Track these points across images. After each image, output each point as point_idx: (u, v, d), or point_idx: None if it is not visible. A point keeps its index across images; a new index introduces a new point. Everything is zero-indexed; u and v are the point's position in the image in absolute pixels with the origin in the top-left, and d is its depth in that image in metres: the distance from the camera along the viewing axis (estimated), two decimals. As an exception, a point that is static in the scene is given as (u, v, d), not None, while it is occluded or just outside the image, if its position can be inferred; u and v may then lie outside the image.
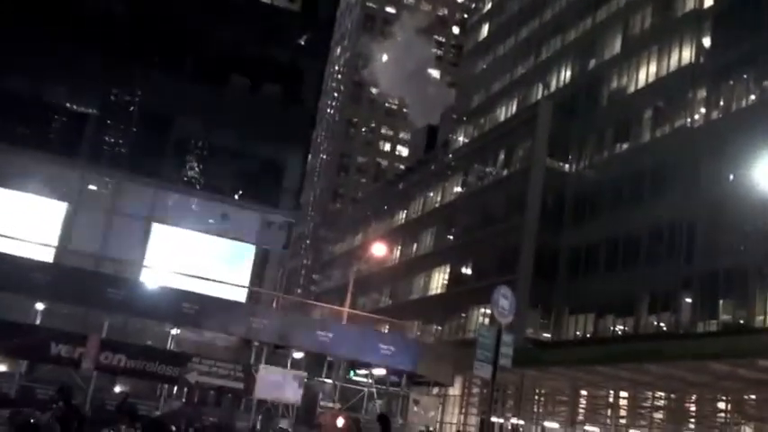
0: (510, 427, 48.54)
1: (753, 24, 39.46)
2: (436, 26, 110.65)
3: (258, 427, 28.92)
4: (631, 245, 43.50)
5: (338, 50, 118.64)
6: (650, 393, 39.01)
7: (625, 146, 48.16)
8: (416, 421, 32.11)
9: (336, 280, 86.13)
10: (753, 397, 33.58)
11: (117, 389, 29.91)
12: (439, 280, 62.61)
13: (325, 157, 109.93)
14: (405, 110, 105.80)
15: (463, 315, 56.47)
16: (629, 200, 44.84)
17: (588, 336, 45.74)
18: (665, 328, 40.19)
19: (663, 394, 38.21)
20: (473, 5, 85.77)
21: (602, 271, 45.83)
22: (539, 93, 60.24)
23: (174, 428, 22.86)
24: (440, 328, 59.78)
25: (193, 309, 27.64)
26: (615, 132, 49.35)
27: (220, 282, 33.49)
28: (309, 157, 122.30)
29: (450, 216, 63.27)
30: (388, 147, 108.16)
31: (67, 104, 43.11)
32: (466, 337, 51.04)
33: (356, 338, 31.28)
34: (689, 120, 43.12)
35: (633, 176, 45.08)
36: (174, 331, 28.95)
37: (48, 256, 32.75)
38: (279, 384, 28.38)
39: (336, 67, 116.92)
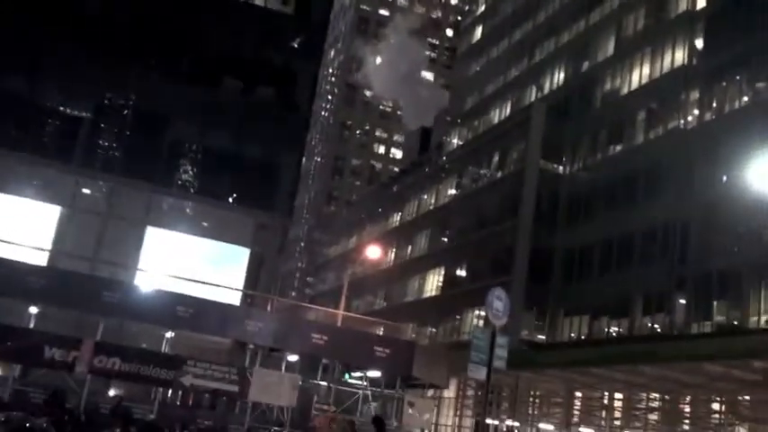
0: (505, 429, 48.55)
1: (745, 26, 39.59)
2: (430, 28, 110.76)
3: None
4: (625, 246, 43.57)
5: (332, 53, 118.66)
6: (645, 395, 39.03)
7: (618, 147, 48.27)
8: (411, 423, 32.07)
9: (331, 282, 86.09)
10: (747, 398, 33.61)
11: (111, 392, 29.86)
12: (433, 282, 62.62)
13: (319, 159, 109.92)
14: (399, 112, 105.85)
15: (458, 317, 56.51)
16: (623, 201, 44.93)
17: (583, 337, 45.81)
18: (659, 330, 40.27)
19: (657, 395, 38.23)
20: (466, 8, 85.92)
21: (596, 272, 45.91)
22: (532, 95, 60.34)
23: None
24: (434, 330, 59.80)
25: (188, 312, 27.60)
26: (609, 134, 49.46)
27: (215, 285, 33.46)
28: (303, 159, 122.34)
29: (445, 218, 63.31)
30: (382, 149, 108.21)
31: (61, 108, 43.10)
32: (460, 339, 51.05)
33: (351, 341, 31.27)
34: (682, 121, 43.24)
35: (627, 178, 45.18)
36: (169, 334, 28.90)
37: (42, 259, 32.70)
38: (274, 387, 28.34)
39: (330, 70, 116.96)
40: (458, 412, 53.00)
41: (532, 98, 59.65)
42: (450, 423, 53.20)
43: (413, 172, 76.64)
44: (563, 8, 59.12)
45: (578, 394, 43.88)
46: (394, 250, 71.99)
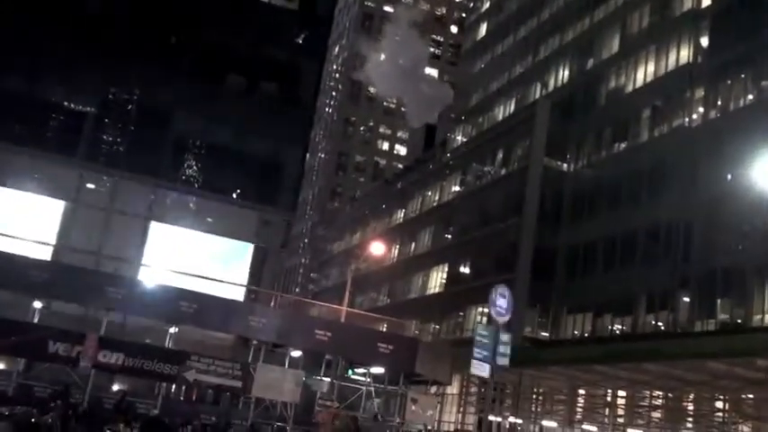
0: (508, 426, 48.56)
1: (750, 24, 39.48)
2: (434, 25, 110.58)
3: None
4: (629, 244, 43.50)
5: (336, 49, 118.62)
6: (648, 392, 39.00)
7: (623, 145, 48.17)
8: (414, 420, 32.12)
9: (334, 279, 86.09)
10: (750, 396, 33.57)
11: (115, 387, 29.99)
12: (437, 279, 62.59)
13: (323, 155, 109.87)
14: (403, 109, 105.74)
15: (461, 314, 56.48)
16: (628, 199, 44.86)
17: (586, 335, 45.76)
18: (662, 328, 40.22)
19: (661, 393, 38.20)
20: (471, 5, 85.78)
21: (600, 270, 45.85)
22: (537, 92, 60.25)
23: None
24: (438, 327, 59.79)
25: (192, 307, 27.67)
26: (613, 132, 49.36)
27: (218, 280, 33.54)
28: (307, 156, 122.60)
29: (449, 215, 63.26)
30: (386, 146, 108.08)
31: (65, 103, 43.16)
32: (464, 336, 51.03)
33: (354, 337, 31.34)
34: (687, 119, 43.14)
35: (631, 176, 45.09)
36: (173, 330, 28.99)
37: (46, 254, 32.82)
38: (277, 383, 28.40)
39: (334, 66, 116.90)
40: (461, 409, 53.02)
41: (537, 95, 59.56)
42: (453, 420, 53.19)
43: (417, 169, 76.59)
44: (568, 5, 59.00)
45: (581, 392, 43.87)
46: (397, 247, 71.98)
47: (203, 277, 32.55)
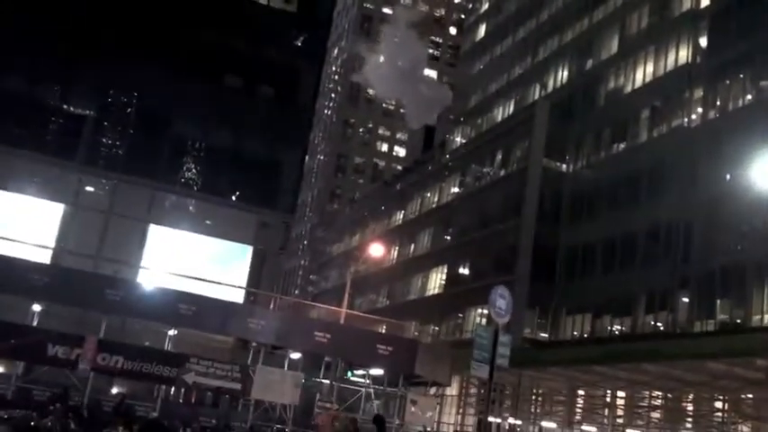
0: (507, 427, 48.53)
1: (749, 24, 39.51)
2: (433, 27, 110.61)
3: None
4: (629, 245, 43.50)
5: (335, 51, 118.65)
6: (647, 393, 38.97)
7: (622, 146, 48.19)
8: (414, 421, 32.08)
9: (334, 280, 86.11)
10: (750, 396, 33.56)
11: (114, 390, 29.93)
12: (436, 280, 62.59)
13: (322, 157, 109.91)
14: (402, 110, 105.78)
15: (460, 315, 56.48)
16: (627, 200, 44.87)
17: (585, 336, 45.76)
18: (662, 328, 40.22)
19: (660, 394, 38.17)
20: (470, 6, 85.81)
21: (599, 271, 45.86)
22: (536, 93, 60.27)
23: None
24: (437, 328, 59.79)
25: (191, 310, 27.63)
26: (612, 132, 49.39)
27: (218, 282, 33.51)
28: (306, 157, 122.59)
29: (448, 216, 63.27)
30: (385, 147, 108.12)
31: (64, 106, 43.20)
32: (463, 337, 51.04)
33: (353, 339, 31.30)
34: (686, 120, 43.16)
35: (630, 176, 45.11)
36: (172, 332, 28.95)
37: (45, 257, 32.77)
38: (276, 385, 28.37)
39: (333, 68, 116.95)
40: (460, 410, 53.00)
41: (536, 96, 59.58)
42: (452, 421, 53.17)
43: (416, 170, 76.61)
44: (566, 6, 59.03)
45: (581, 392, 43.85)
46: (397, 248, 71.98)
47: (202, 279, 32.51)
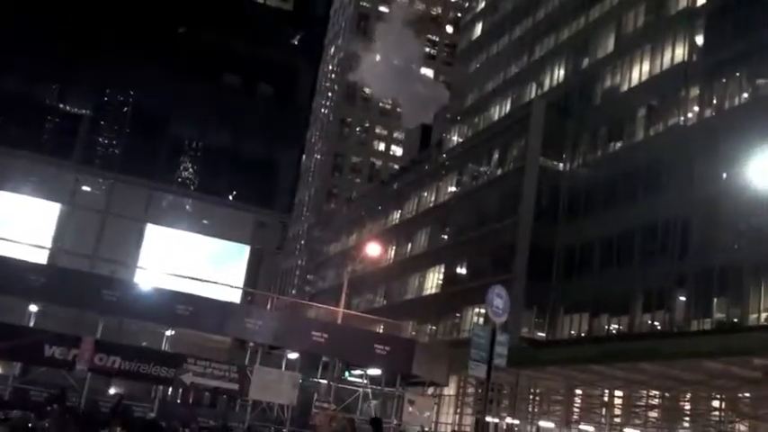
0: (505, 427, 48.55)
1: (746, 22, 39.54)
2: (430, 25, 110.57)
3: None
4: (626, 243, 43.55)
5: (332, 50, 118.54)
6: (645, 392, 39.02)
7: (619, 144, 48.22)
8: (411, 421, 32.09)
9: (331, 280, 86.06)
10: (747, 395, 33.60)
11: (112, 391, 29.87)
12: (433, 280, 62.60)
13: (319, 157, 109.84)
14: (399, 109, 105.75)
15: (458, 315, 56.48)
16: (624, 198, 44.89)
17: (583, 335, 45.79)
18: (659, 327, 40.26)
19: (657, 393, 38.22)
20: (466, 4, 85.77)
21: (596, 270, 45.90)
22: (532, 92, 60.26)
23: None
24: (434, 327, 59.78)
25: (188, 310, 27.60)
26: (609, 131, 49.42)
27: (215, 282, 33.47)
28: (303, 157, 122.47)
29: (445, 216, 63.27)
30: (382, 146, 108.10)
31: (61, 105, 43.09)
32: (460, 336, 51.04)
33: (351, 339, 31.28)
34: (682, 118, 43.19)
35: (627, 175, 45.14)
36: (169, 332, 28.91)
37: (41, 257, 32.70)
38: (274, 385, 28.35)
39: (330, 67, 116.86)
40: (458, 410, 53.01)
41: (532, 95, 59.58)
42: (450, 421, 53.19)
43: (413, 169, 76.59)
44: (563, 5, 59.03)
45: (578, 392, 43.88)
46: (394, 248, 71.96)
47: (199, 279, 32.47)
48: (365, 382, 32.77)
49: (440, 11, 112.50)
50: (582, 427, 42.43)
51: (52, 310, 27.55)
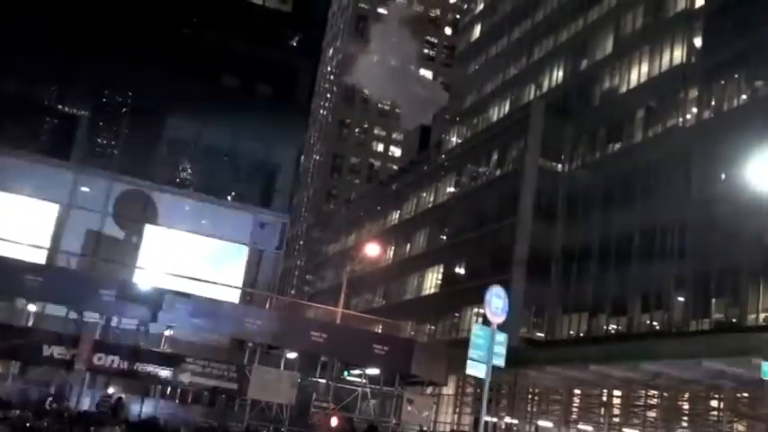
0: (504, 427, 48.57)
1: (744, 24, 39.57)
2: (428, 27, 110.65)
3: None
4: (624, 244, 43.56)
5: (330, 51, 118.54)
6: (643, 392, 39.04)
7: (617, 146, 48.24)
8: (410, 421, 32.11)
9: (330, 280, 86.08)
10: (745, 395, 33.64)
11: (110, 390, 29.90)
12: (432, 280, 62.61)
13: (318, 157, 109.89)
14: (397, 110, 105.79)
15: (457, 315, 56.50)
16: (622, 199, 44.90)
17: (581, 335, 45.80)
18: (657, 327, 40.27)
19: (656, 393, 38.25)
20: (465, 6, 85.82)
21: (595, 270, 45.90)
22: (531, 93, 60.29)
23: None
24: (433, 327, 59.79)
25: (186, 310, 27.62)
26: (607, 132, 49.43)
27: (214, 283, 33.48)
28: (302, 158, 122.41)
29: (444, 216, 63.29)
30: (380, 147, 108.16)
31: (59, 106, 43.00)
32: (459, 336, 51.03)
33: (350, 339, 31.32)
34: (681, 119, 43.22)
35: (626, 176, 45.17)
36: (168, 332, 28.93)
37: (40, 257, 32.68)
38: (272, 385, 28.37)
39: (329, 68, 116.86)
40: (457, 409, 53.04)
41: (531, 96, 59.61)
42: (449, 420, 53.21)
43: (412, 170, 76.61)
44: (561, 6, 59.07)
45: (577, 391, 43.92)
46: (393, 248, 71.98)
47: (198, 279, 32.48)
48: (364, 381, 32.80)
49: (438, 12, 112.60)
50: (580, 426, 42.46)
51: (51, 309, 27.57)
